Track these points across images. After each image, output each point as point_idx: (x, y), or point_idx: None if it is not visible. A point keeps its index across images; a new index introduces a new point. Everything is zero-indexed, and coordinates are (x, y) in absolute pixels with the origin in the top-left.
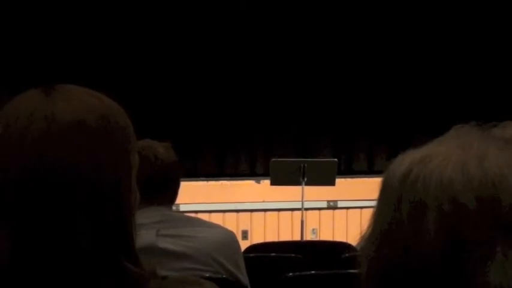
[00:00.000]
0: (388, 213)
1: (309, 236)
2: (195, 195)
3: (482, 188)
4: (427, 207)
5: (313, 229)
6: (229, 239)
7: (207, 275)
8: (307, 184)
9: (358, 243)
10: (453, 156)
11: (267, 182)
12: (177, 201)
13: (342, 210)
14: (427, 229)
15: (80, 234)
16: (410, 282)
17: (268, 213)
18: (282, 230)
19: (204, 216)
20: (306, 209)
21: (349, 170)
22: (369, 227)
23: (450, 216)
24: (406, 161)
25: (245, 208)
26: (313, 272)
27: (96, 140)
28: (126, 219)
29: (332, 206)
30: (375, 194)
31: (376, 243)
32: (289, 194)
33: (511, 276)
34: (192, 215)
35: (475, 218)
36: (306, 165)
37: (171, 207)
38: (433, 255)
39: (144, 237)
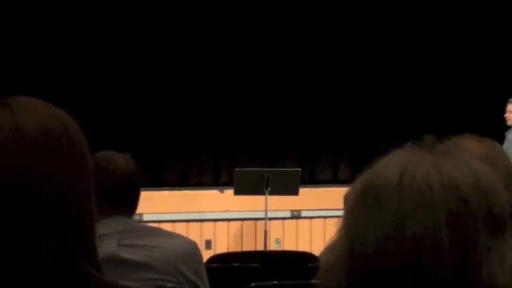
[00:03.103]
0: (383, 218)
1: (272, 246)
2: (159, 205)
3: (480, 188)
4: (434, 206)
5: (277, 239)
6: (191, 249)
7: (169, 285)
8: (270, 194)
9: (325, 257)
10: (436, 161)
11: (230, 191)
12: (141, 210)
13: (305, 220)
14: (439, 227)
15: (44, 242)
16: (419, 283)
17: (231, 222)
18: (245, 239)
19: (167, 226)
20: (270, 219)
21: (313, 180)
22: (346, 238)
23: (458, 215)
24: (392, 163)
25: (209, 218)
26: (275, 282)
27: (61, 149)
28: (89, 226)
29: (296, 216)
30: (339, 204)
31: (371, 250)
32: (253, 204)
33: (506, 272)
34: (156, 224)
35: (477, 213)
36: (269, 174)
37: (131, 217)
38: (447, 251)
39: (106, 247)
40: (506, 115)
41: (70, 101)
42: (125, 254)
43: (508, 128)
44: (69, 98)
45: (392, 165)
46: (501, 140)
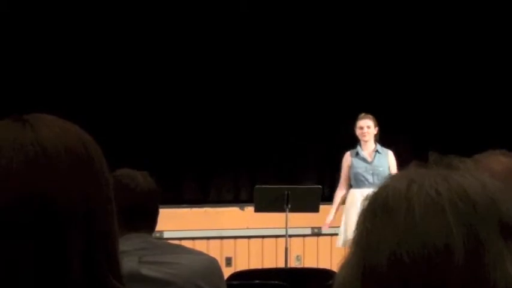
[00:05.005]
0: (393, 226)
1: (293, 263)
2: (179, 222)
3: (488, 194)
4: (444, 210)
5: (297, 256)
6: (212, 266)
7: None
8: (291, 211)
9: (339, 274)
10: (443, 172)
11: (251, 208)
12: (161, 228)
13: (326, 237)
14: (450, 230)
15: (71, 260)
16: (432, 283)
17: (252, 240)
18: (266, 256)
19: (188, 243)
20: (290, 236)
21: (333, 197)
22: (358, 252)
23: (466, 214)
24: (400, 176)
25: (229, 235)
26: None
27: (83, 166)
28: (113, 242)
29: (316, 233)
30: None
31: (385, 262)
32: (273, 221)
33: None
34: (176, 242)
35: (486, 216)
36: (289, 192)
37: (151, 235)
38: (460, 254)
39: (126, 264)
40: (366, 131)
41: (86, 119)
42: (145, 271)
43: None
44: (85, 116)
45: (400, 177)
46: None
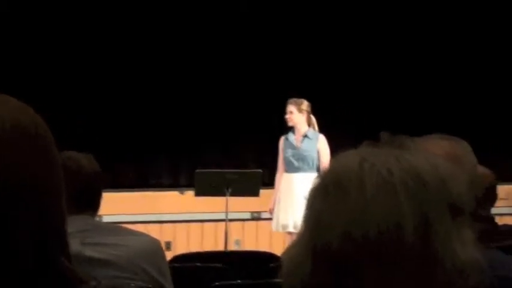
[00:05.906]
0: (346, 204)
1: (232, 247)
2: (118, 206)
3: (438, 175)
4: (395, 188)
5: (237, 240)
6: (155, 247)
7: (133, 283)
8: (231, 195)
9: (287, 256)
10: (394, 152)
11: (191, 193)
12: (100, 212)
13: (265, 222)
14: (401, 208)
15: (24, 239)
16: (382, 261)
17: (192, 224)
18: (205, 241)
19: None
20: (230, 220)
21: (273, 181)
22: (308, 233)
23: (417, 194)
24: (351, 155)
25: (168, 219)
26: (239, 281)
27: (34, 144)
28: (63, 221)
29: (256, 217)
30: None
31: (336, 242)
32: (213, 205)
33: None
34: None
35: (436, 196)
36: (230, 176)
37: (94, 217)
38: (407, 230)
39: (70, 246)
40: (287, 116)
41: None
42: (89, 252)
43: (289, 129)
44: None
45: (351, 156)
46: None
